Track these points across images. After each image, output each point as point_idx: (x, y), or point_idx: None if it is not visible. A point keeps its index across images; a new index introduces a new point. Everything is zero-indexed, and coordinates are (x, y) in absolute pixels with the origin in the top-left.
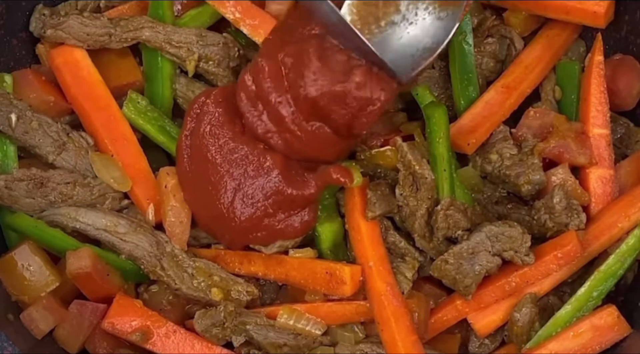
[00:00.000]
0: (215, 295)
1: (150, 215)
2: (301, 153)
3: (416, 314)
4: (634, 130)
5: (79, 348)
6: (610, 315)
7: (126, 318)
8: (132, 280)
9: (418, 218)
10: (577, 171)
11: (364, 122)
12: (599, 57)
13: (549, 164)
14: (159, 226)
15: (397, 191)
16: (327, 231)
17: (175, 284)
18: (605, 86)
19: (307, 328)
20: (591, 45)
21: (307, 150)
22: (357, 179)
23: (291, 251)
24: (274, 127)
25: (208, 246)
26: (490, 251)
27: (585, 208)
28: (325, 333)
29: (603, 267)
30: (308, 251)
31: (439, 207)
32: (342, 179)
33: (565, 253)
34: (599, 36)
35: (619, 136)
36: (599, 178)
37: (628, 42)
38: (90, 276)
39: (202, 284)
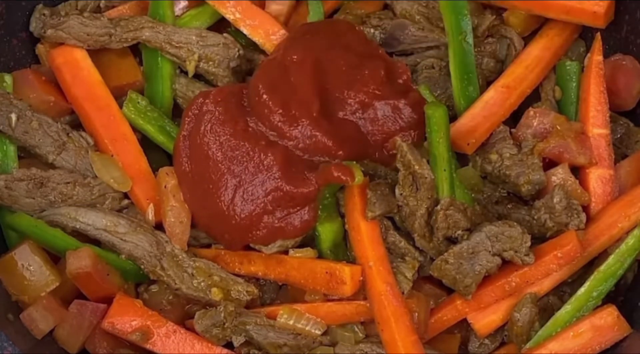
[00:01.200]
0: (215, 294)
1: (150, 215)
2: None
3: (416, 314)
4: (634, 130)
5: (79, 348)
6: (610, 315)
7: (126, 318)
8: (132, 280)
9: (418, 218)
10: (577, 171)
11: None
12: (598, 57)
13: (549, 164)
14: (159, 226)
15: (397, 191)
16: (327, 231)
17: (175, 284)
18: (605, 86)
19: (307, 328)
20: (591, 45)
21: None
22: (358, 177)
23: (291, 251)
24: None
25: (208, 246)
26: (490, 251)
27: (585, 208)
28: (325, 333)
29: (603, 267)
30: (308, 251)
31: (438, 207)
32: (343, 177)
33: (565, 253)
34: (599, 36)
35: (619, 136)
36: (599, 178)
37: (628, 42)
38: (90, 276)
39: (202, 284)
